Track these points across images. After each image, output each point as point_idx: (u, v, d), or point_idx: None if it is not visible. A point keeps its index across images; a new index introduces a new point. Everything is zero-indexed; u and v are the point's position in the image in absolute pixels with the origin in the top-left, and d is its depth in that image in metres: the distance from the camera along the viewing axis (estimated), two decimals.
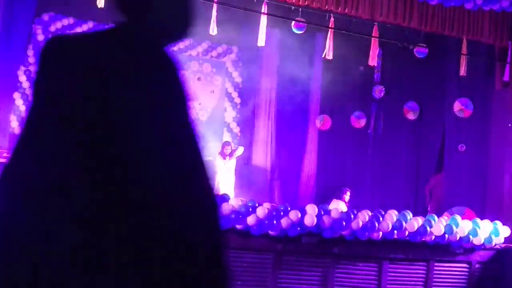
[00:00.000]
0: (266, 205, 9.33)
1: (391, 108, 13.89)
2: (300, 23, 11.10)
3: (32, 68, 12.68)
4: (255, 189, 12.53)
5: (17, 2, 11.81)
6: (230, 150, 12.43)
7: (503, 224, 9.97)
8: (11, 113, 12.44)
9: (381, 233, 9.37)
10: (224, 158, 12.27)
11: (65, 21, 13.02)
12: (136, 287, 2.00)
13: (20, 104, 12.62)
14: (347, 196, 12.28)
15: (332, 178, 13.33)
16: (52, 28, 12.97)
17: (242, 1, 10.65)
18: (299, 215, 9.10)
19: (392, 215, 9.62)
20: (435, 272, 9.65)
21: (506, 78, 11.25)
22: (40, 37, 12.80)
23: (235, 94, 14.08)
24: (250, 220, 9.00)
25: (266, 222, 8.98)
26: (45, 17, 12.84)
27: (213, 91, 13.77)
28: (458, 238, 9.61)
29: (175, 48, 13.19)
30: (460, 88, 12.55)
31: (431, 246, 9.65)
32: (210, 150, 12.33)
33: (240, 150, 12.61)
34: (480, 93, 12.41)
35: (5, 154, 11.76)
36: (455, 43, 11.73)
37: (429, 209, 12.48)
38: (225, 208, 9.08)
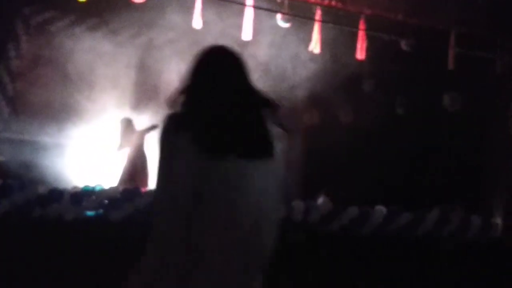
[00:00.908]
0: None
1: (379, 102, 13.74)
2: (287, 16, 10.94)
3: (13, 63, 12.44)
4: None
5: None
6: None
7: (495, 219, 9.90)
8: None
9: None
10: None
11: (47, 15, 12.73)
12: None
13: (0, 100, 12.35)
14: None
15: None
16: (33, 22, 12.69)
17: None
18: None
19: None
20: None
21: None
22: (21, 31, 12.53)
23: None
24: None
25: None
26: (26, 10, 12.54)
27: None
28: None
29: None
30: (449, 81, 12.42)
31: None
32: None
33: None
34: (470, 86, 12.29)
35: None
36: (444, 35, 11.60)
37: None
38: None
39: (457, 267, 9.57)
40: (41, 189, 8.56)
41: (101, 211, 8.78)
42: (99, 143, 11.26)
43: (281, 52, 12.96)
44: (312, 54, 11.50)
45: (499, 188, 11.11)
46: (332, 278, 8.98)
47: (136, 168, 10.53)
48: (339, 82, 13.02)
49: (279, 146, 3.58)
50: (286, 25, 11.22)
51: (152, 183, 10.52)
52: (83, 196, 8.72)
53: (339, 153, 13.33)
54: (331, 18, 11.18)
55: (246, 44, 11.73)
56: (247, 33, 10.83)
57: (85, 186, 9.04)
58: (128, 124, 10.87)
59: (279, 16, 11.01)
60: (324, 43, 11.13)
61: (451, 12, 11.10)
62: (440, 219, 9.90)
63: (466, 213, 10.18)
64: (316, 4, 10.87)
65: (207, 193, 3.27)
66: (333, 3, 10.84)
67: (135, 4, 10.89)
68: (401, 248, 9.35)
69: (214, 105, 3.47)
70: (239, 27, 11.05)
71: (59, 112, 12.56)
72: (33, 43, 12.75)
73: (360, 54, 11.38)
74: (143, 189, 9.62)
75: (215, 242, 3.24)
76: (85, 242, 7.81)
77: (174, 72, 12.85)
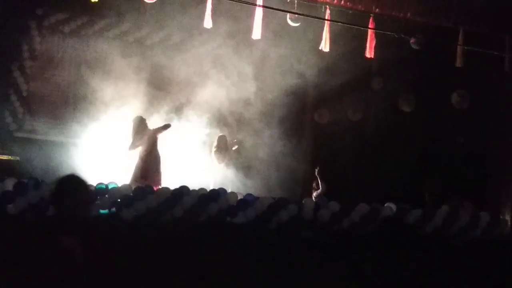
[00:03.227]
0: None
1: (387, 99, 13.80)
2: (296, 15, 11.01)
3: (27, 63, 12.59)
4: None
5: None
6: (226, 144, 12.36)
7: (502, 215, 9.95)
8: (5, 109, 12.34)
9: None
10: (220, 152, 12.18)
11: (59, 16, 12.87)
12: None
13: (14, 100, 12.50)
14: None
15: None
16: (46, 23, 12.83)
17: None
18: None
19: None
20: None
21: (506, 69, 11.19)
22: (34, 32, 12.68)
23: None
24: None
25: None
26: (39, 11, 12.68)
27: None
28: None
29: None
30: (457, 79, 12.46)
31: None
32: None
33: (236, 145, 12.54)
34: (478, 84, 12.33)
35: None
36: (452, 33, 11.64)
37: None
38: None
39: (466, 263, 9.63)
40: None
41: (114, 209, 8.89)
42: (112, 142, 11.36)
43: (291, 50, 13.08)
44: (321, 52, 11.57)
45: (507, 185, 11.16)
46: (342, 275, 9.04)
47: (149, 166, 10.62)
48: (348, 80, 13.10)
49: None
50: (296, 24, 11.30)
51: (164, 181, 10.64)
52: (97, 194, 8.83)
53: (348, 150, 13.43)
54: (340, 17, 11.24)
55: (255, 42, 11.83)
56: (256, 32, 10.91)
57: (99, 185, 9.14)
58: (141, 122, 10.95)
59: (288, 15, 11.07)
60: (333, 41, 11.20)
61: (459, 10, 11.15)
62: (449, 215, 9.97)
63: (475, 210, 10.24)
64: (326, 3, 10.93)
65: None
66: (342, 2, 10.90)
67: (147, 4, 11.00)
68: (409, 245, 9.40)
69: None
70: (249, 26, 11.14)
71: (72, 111, 12.71)
72: (46, 44, 12.90)
73: (369, 52, 11.44)
74: (155, 188, 9.73)
75: None
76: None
77: (186, 71, 12.99)
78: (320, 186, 12.37)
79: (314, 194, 12.28)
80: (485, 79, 12.01)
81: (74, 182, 4.11)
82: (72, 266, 3.90)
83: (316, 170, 12.54)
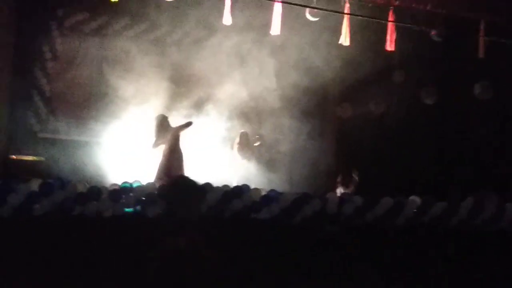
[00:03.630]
0: None
1: (410, 92, 13.72)
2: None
3: (49, 64, 12.68)
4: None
5: None
6: (248, 140, 12.39)
7: None
8: (28, 110, 12.45)
9: None
10: (243, 149, 12.22)
11: (80, 16, 12.95)
12: None
13: (37, 100, 12.61)
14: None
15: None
16: (67, 24, 12.92)
17: None
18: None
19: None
20: None
21: None
22: (55, 33, 12.77)
23: None
24: None
25: None
26: (59, 12, 12.77)
27: None
28: None
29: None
30: (480, 70, 12.37)
31: None
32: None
33: (259, 141, 12.57)
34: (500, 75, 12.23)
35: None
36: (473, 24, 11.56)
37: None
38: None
39: (492, 255, 9.57)
40: (80, 188, 8.73)
41: (138, 207, 8.93)
42: (136, 140, 11.43)
43: (310, 45, 13.04)
44: (342, 46, 11.55)
45: None
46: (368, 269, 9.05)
47: (172, 164, 10.68)
48: (369, 73, 13.05)
49: None
50: (315, 19, 11.27)
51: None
52: (122, 193, 8.88)
53: (370, 144, 13.38)
54: (360, 10, 11.20)
55: (275, 38, 11.82)
56: (275, 28, 10.91)
57: (123, 183, 9.19)
58: (163, 120, 11.01)
59: (307, 10, 11.06)
60: (353, 35, 11.17)
61: (480, 0, 11.08)
62: (474, 208, 9.90)
63: (500, 202, 10.15)
64: None
65: None
66: None
67: (166, 3, 11.04)
68: (435, 238, 9.38)
69: None
70: (268, 22, 11.15)
71: (95, 110, 12.79)
72: (68, 44, 12.99)
73: (390, 45, 11.39)
74: None
75: None
76: (123, 238, 7.97)
77: (206, 69, 13.01)
78: (350, 186, 12.25)
79: (340, 189, 12.17)
80: (508, 69, 11.90)
81: (188, 184, 4.32)
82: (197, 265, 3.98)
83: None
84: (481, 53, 11.34)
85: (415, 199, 9.68)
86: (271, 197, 9.49)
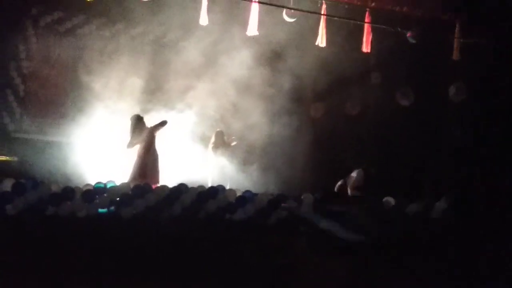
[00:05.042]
0: None
1: (385, 93, 13.78)
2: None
3: (24, 64, 12.58)
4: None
5: None
6: (224, 140, 12.37)
7: None
8: (2, 110, 12.34)
9: None
10: (218, 148, 12.19)
11: (55, 15, 12.85)
12: None
13: (11, 100, 12.49)
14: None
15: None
16: (42, 23, 12.81)
17: None
18: None
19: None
20: None
21: None
22: (30, 32, 12.66)
23: None
24: None
25: None
26: (34, 11, 12.66)
27: None
28: None
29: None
30: (454, 72, 12.46)
31: None
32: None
33: (235, 141, 12.55)
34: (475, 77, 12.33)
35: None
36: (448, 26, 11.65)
37: None
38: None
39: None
40: (54, 188, 8.69)
41: (112, 208, 8.90)
42: (110, 141, 11.36)
43: (287, 45, 13.05)
44: (318, 47, 11.57)
45: None
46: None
47: (147, 164, 10.63)
48: (345, 74, 13.08)
49: None
50: (292, 20, 11.29)
51: (162, 179, 10.65)
52: (95, 193, 8.84)
53: (345, 145, 13.42)
54: (337, 12, 11.24)
55: (251, 38, 11.81)
56: (252, 28, 10.92)
57: (97, 184, 9.15)
58: (138, 120, 10.96)
59: (284, 11, 11.07)
60: (329, 36, 11.21)
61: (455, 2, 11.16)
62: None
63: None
64: None
65: None
66: None
67: (141, 3, 11.00)
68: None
69: None
70: (244, 22, 11.14)
71: (70, 111, 12.69)
72: (43, 43, 12.89)
73: (366, 47, 11.44)
74: (153, 186, 9.73)
75: None
76: (97, 239, 7.94)
77: (181, 69, 12.96)
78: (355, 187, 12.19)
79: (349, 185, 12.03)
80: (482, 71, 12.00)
81: None
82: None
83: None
84: (455, 55, 11.42)
85: (389, 199, 9.75)
86: (247, 197, 9.50)
